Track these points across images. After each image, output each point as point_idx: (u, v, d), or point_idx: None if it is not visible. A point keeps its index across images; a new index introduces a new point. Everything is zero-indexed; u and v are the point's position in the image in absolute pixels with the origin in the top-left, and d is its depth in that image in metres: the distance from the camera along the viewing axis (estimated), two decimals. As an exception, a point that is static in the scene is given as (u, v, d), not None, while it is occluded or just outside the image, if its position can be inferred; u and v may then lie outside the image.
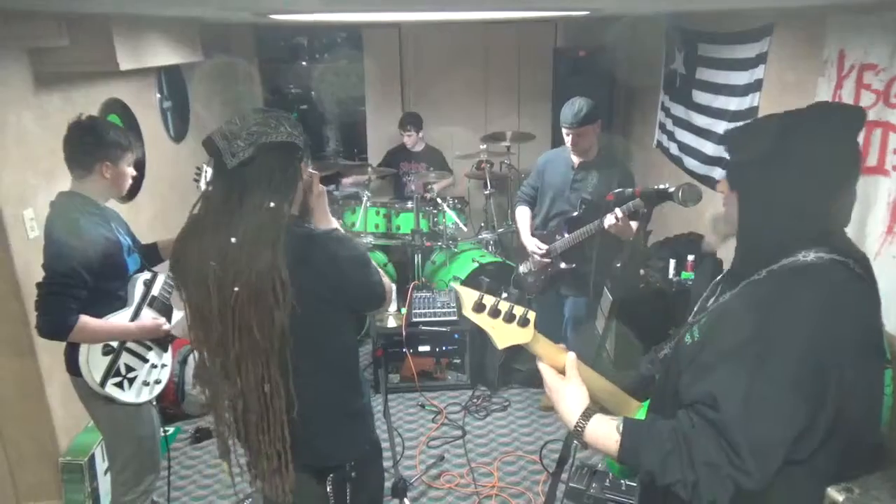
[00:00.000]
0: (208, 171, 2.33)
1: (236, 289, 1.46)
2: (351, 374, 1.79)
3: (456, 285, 1.40)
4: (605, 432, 1.22)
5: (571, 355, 1.36)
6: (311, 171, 1.64)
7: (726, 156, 3.42)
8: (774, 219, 1.20)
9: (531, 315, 1.32)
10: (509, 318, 1.32)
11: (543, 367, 1.36)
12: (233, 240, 1.45)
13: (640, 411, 1.43)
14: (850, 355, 1.09)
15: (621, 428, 1.19)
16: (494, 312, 1.33)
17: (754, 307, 1.16)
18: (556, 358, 1.36)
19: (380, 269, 1.74)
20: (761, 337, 1.10)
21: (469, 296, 1.34)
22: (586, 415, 1.26)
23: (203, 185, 2.28)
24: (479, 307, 1.33)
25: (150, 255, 2.47)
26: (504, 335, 1.32)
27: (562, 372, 1.35)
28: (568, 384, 1.32)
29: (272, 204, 1.47)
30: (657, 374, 1.47)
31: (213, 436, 1.77)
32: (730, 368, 1.11)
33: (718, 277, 1.41)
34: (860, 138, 1.25)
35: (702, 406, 1.11)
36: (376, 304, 1.75)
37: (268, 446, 1.57)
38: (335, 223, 1.74)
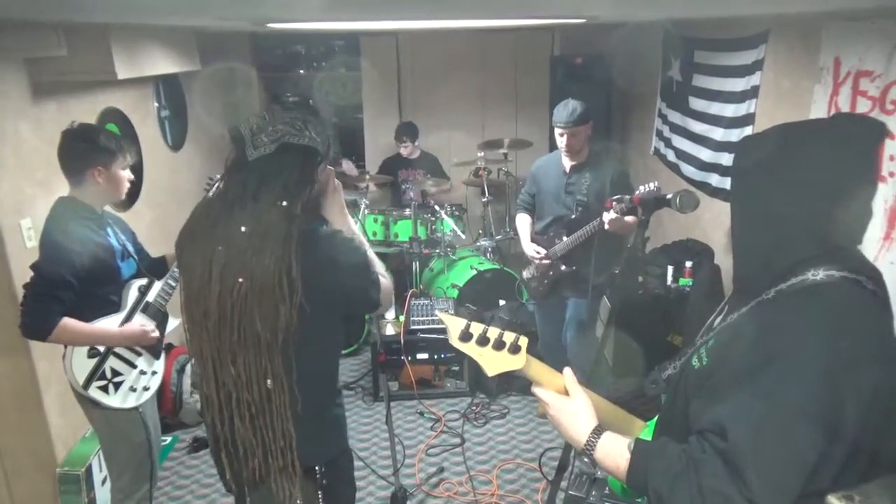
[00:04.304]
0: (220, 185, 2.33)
1: (240, 280, 1.47)
2: (330, 379, 1.80)
3: (441, 314, 1.36)
4: (615, 451, 1.18)
5: (568, 371, 1.32)
6: (328, 168, 1.66)
7: (723, 163, 3.47)
8: (779, 234, 1.15)
9: (522, 341, 1.28)
10: (499, 345, 1.27)
11: (541, 392, 1.31)
12: (243, 228, 1.48)
13: (644, 431, 1.40)
14: (868, 376, 1.04)
15: (632, 447, 1.16)
16: (482, 341, 1.28)
17: (763, 331, 1.11)
18: (554, 381, 1.32)
19: (381, 272, 1.74)
20: (770, 363, 1.06)
21: (455, 325, 1.29)
22: (597, 431, 1.22)
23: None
24: (465, 336, 1.28)
25: (157, 268, 2.47)
26: (493, 363, 1.27)
27: (561, 393, 1.31)
28: (574, 401, 1.28)
29: (284, 203, 1.50)
30: (662, 395, 1.43)
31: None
32: (738, 396, 1.07)
33: (728, 297, 1.36)
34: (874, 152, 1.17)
35: (711, 434, 1.08)
36: (367, 309, 1.77)
37: (271, 444, 1.58)
38: (350, 220, 1.76)
